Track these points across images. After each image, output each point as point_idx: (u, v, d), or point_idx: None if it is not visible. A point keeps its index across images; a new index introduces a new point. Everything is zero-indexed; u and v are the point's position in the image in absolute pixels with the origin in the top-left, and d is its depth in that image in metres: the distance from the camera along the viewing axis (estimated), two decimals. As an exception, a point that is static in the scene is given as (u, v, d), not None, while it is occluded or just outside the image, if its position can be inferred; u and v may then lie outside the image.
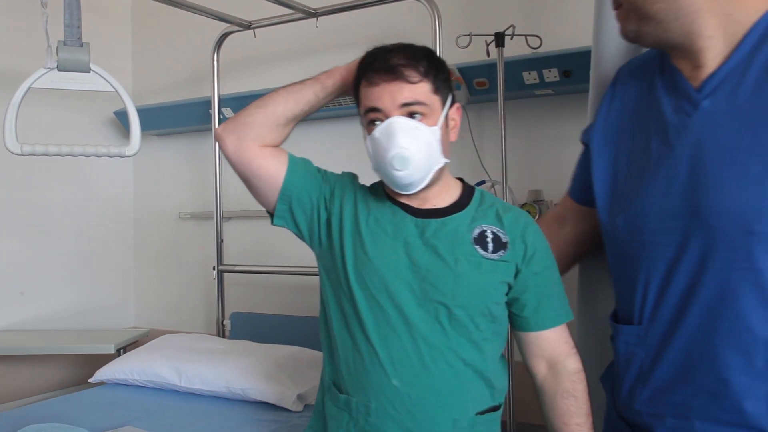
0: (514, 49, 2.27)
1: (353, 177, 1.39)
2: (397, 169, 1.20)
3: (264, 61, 3.01)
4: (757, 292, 1.00)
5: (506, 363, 1.37)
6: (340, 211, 1.31)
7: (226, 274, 2.94)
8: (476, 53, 2.31)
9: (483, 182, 2.44)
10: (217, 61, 2.86)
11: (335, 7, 2.53)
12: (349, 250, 1.27)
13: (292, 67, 2.93)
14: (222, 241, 2.89)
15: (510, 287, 1.29)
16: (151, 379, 2.26)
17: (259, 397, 2.06)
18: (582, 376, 1.31)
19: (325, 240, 1.32)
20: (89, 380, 2.36)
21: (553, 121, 2.41)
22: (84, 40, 1.72)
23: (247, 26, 2.72)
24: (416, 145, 1.20)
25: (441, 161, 1.25)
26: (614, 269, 1.26)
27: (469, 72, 2.36)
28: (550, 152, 2.42)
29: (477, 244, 1.26)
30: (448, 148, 1.28)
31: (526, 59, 2.26)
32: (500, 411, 1.33)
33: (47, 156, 1.72)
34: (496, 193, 2.41)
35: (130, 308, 3.42)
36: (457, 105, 1.30)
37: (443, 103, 1.26)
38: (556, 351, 1.31)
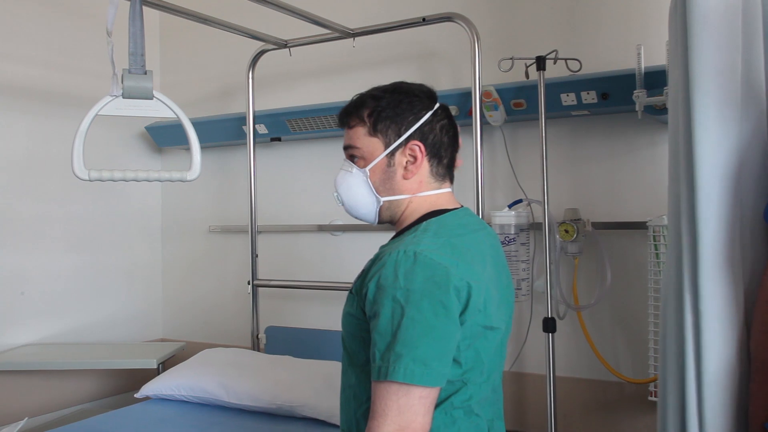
0: (553, 71, 2.32)
1: None
2: (338, 205, 1.41)
3: (298, 77, 3.06)
4: None
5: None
6: None
7: (260, 288, 2.98)
8: (512, 75, 2.37)
9: (520, 201, 2.49)
10: (252, 78, 2.90)
11: (373, 28, 2.57)
12: None
13: (326, 84, 2.98)
14: (257, 255, 2.93)
15: (361, 319, 1.26)
16: (198, 395, 2.30)
17: (309, 414, 2.10)
18: None
19: None
20: (135, 395, 2.40)
21: (588, 141, 2.47)
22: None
23: (283, 45, 2.77)
24: (343, 187, 1.39)
25: (376, 200, 1.36)
26: None
27: (506, 93, 2.41)
28: (585, 172, 2.47)
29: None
30: (393, 187, 1.35)
31: (565, 81, 2.31)
32: None
33: (112, 181, 1.76)
34: (532, 212, 2.47)
35: (158, 320, 3.46)
36: (413, 142, 1.34)
37: (386, 144, 1.33)
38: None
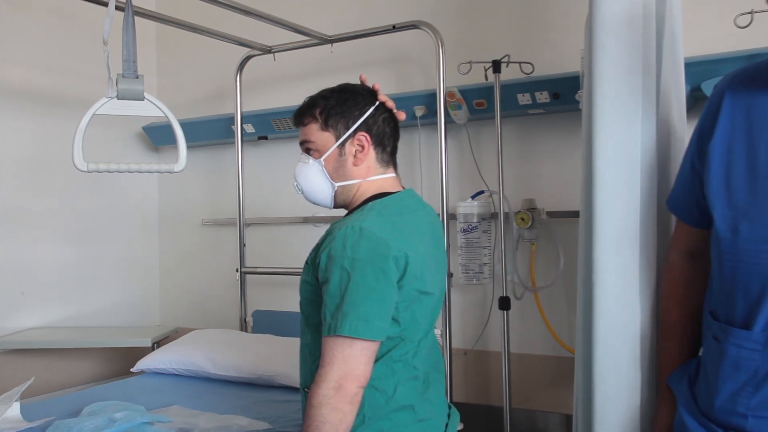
0: (510, 73, 2.55)
1: None
2: (297, 193, 1.62)
3: (282, 80, 3.29)
4: None
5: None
6: None
7: (247, 276, 3.21)
8: (475, 77, 2.60)
9: (482, 192, 2.72)
10: (240, 81, 3.14)
11: (349, 35, 2.81)
12: None
13: (308, 86, 3.16)
14: (244, 245, 3.16)
15: (315, 285, 1.49)
16: (188, 368, 2.54)
17: (285, 382, 2.34)
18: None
19: None
20: (131, 369, 2.64)
21: (544, 137, 2.69)
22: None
23: (267, 51, 3.00)
24: (301, 176, 1.59)
25: (331, 186, 1.57)
26: (727, 272, 1.32)
27: (469, 94, 2.64)
28: (542, 165, 2.70)
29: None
30: (346, 173, 1.56)
31: (519, 83, 2.54)
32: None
33: (108, 173, 2.00)
34: (493, 202, 2.70)
35: (155, 307, 3.70)
36: (360, 133, 1.55)
37: (337, 137, 1.55)
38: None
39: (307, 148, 1.58)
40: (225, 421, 1.91)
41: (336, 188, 1.57)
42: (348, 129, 1.55)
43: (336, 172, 1.56)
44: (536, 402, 2.70)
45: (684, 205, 1.48)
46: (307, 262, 1.53)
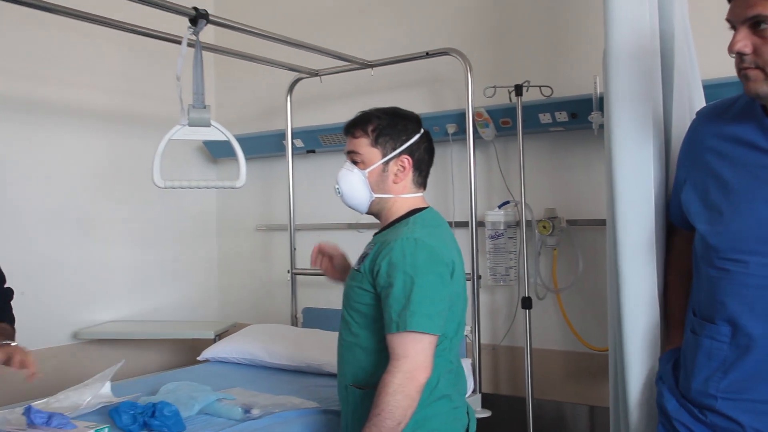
0: (532, 95, 2.83)
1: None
2: (337, 195, 1.83)
3: (328, 100, 3.62)
4: None
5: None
6: None
7: (297, 276, 3.56)
8: (502, 98, 2.88)
9: (508, 202, 3.00)
10: (290, 101, 3.48)
11: (387, 60, 3.12)
12: None
13: (351, 105, 3.50)
14: (295, 248, 3.51)
15: (371, 291, 1.70)
16: (246, 357, 2.89)
17: (331, 370, 2.65)
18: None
19: None
20: (198, 358, 3.01)
21: (565, 152, 2.96)
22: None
23: (314, 74, 3.34)
24: (344, 180, 1.80)
25: (370, 195, 1.79)
26: (704, 276, 1.56)
27: (495, 113, 2.93)
28: (562, 177, 2.96)
29: (358, 259, 1.79)
30: (385, 188, 1.78)
31: (541, 104, 2.81)
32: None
33: (181, 188, 2.35)
34: (519, 211, 2.96)
35: (215, 304, 4.09)
36: (404, 156, 1.78)
37: (383, 154, 1.77)
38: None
39: (353, 159, 1.79)
40: (280, 399, 2.25)
41: (374, 198, 1.81)
42: (394, 150, 1.78)
43: (377, 184, 1.80)
44: (558, 393, 2.96)
45: (679, 216, 1.71)
46: (359, 271, 1.74)
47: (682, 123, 1.90)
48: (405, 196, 1.84)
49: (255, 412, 2.10)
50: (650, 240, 1.86)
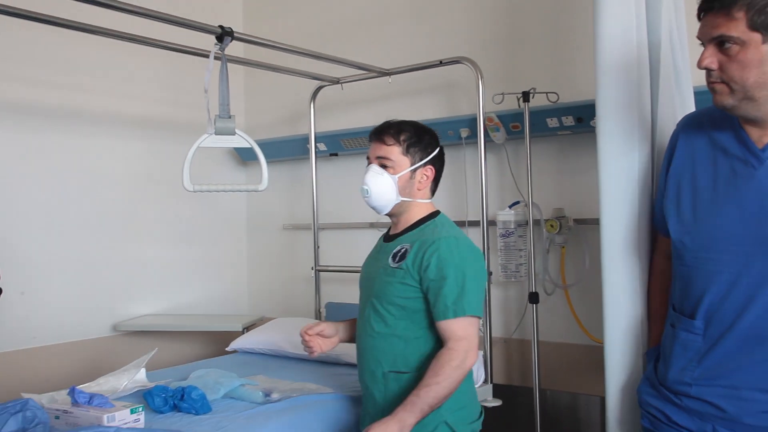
0: (540, 100, 2.97)
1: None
2: (364, 196, 2.00)
3: (349, 106, 3.80)
4: None
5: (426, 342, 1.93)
6: None
7: (321, 273, 3.75)
8: (512, 103, 3.03)
9: (518, 202, 3.14)
10: (314, 107, 3.68)
11: (403, 68, 3.28)
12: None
13: (371, 111, 3.72)
14: (318, 247, 3.70)
15: (415, 286, 1.90)
16: (271, 348, 3.09)
17: (350, 361, 2.83)
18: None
19: None
20: (226, 349, 3.23)
21: (572, 154, 3.09)
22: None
23: (336, 81, 3.52)
24: (374, 182, 1.97)
25: (397, 198, 1.98)
26: (679, 275, 1.72)
27: (505, 118, 3.07)
28: (570, 178, 3.10)
29: (391, 257, 1.97)
30: (410, 192, 1.99)
31: (548, 109, 2.96)
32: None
33: (209, 192, 2.56)
34: (529, 211, 3.10)
35: (243, 299, 4.32)
36: (429, 167, 2.01)
37: (412, 163, 1.99)
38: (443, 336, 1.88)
39: (383, 163, 1.99)
40: (299, 385, 2.44)
41: (399, 201, 2.02)
42: (422, 160, 2.02)
43: (404, 189, 2.02)
44: (565, 384, 3.10)
45: (660, 221, 1.85)
46: (399, 268, 1.93)
47: (667, 131, 2.03)
48: (421, 201, 2.07)
49: (275, 396, 2.30)
50: (632, 240, 2.02)
